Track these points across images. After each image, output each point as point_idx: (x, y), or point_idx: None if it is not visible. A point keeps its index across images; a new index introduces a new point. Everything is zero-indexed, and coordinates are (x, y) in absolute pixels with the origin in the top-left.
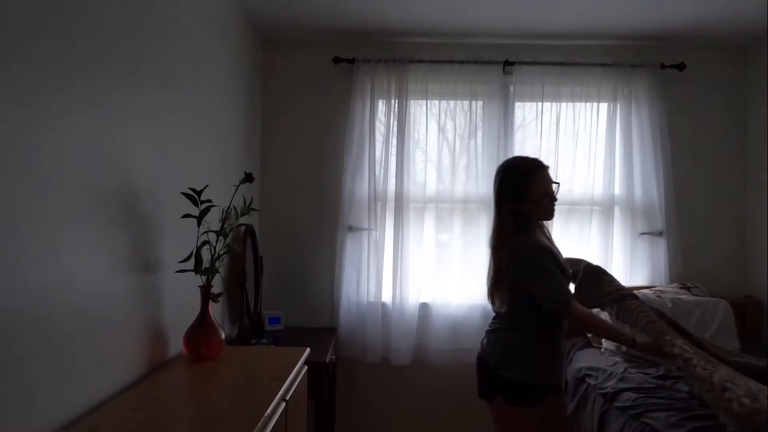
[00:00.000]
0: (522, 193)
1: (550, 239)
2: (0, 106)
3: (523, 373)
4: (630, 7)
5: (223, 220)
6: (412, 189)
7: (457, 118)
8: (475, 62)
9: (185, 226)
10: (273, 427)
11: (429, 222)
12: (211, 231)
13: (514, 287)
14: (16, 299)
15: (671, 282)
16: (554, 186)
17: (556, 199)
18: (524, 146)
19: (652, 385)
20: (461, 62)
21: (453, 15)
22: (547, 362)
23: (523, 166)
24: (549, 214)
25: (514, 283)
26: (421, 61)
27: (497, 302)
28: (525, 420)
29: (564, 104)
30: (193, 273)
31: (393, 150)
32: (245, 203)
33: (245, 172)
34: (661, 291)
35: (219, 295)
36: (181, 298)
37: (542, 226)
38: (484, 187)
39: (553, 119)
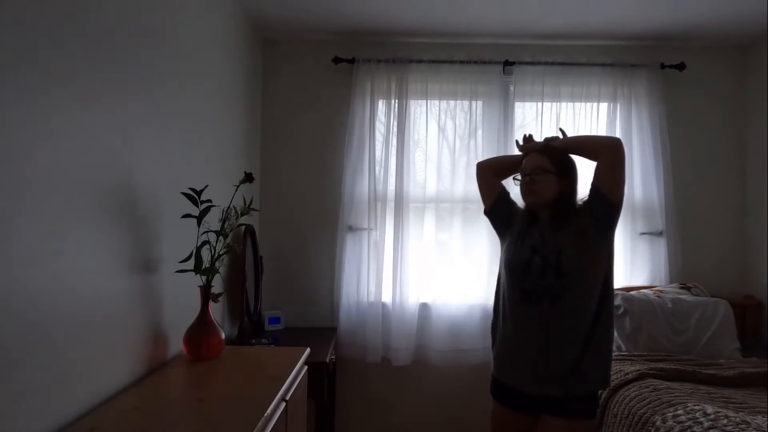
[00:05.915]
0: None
1: None
2: None
3: None
4: (630, 7)
5: (223, 220)
6: (412, 189)
7: (457, 118)
8: (475, 62)
9: (185, 226)
10: (273, 427)
11: (429, 222)
12: (211, 231)
13: None
14: (16, 300)
15: (671, 282)
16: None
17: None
18: None
19: None
20: (461, 62)
21: (453, 15)
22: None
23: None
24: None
25: None
26: (421, 61)
27: None
28: None
29: (564, 104)
30: (193, 273)
31: (393, 150)
32: (245, 203)
33: (245, 172)
34: (661, 291)
35: (219, 295)
36: (181, 298)
37: None
38: None
39: (553, 119)
